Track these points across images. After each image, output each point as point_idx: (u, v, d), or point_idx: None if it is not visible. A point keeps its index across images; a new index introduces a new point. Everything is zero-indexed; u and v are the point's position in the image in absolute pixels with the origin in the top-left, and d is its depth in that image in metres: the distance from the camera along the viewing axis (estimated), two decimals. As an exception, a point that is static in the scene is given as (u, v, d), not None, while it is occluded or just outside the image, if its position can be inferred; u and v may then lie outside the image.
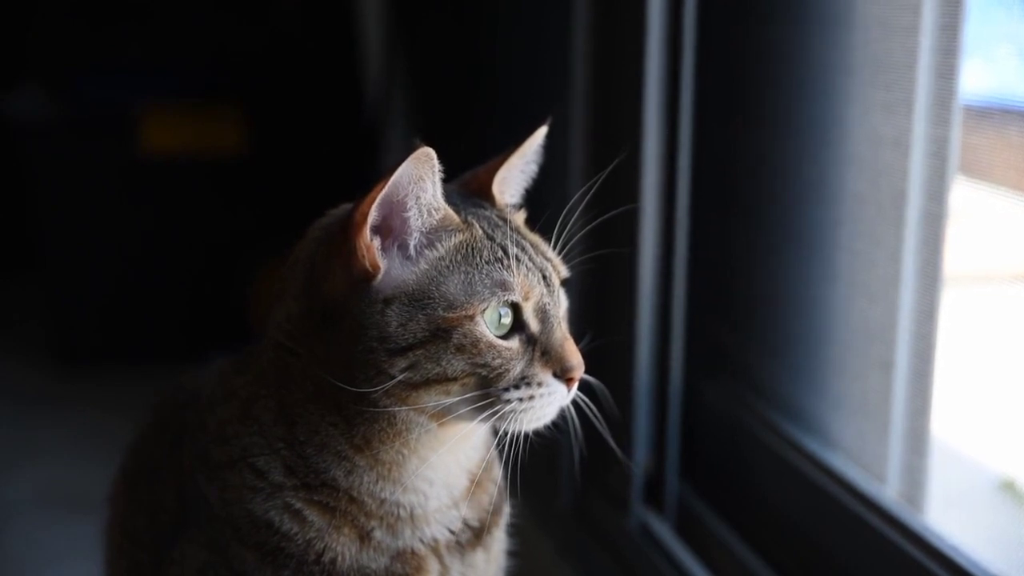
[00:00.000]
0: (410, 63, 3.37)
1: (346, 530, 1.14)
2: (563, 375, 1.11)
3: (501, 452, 1.16)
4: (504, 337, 1.09)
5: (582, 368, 1.12)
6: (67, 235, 3.50)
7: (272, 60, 3.48)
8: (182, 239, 3.47)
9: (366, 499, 1.14)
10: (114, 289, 3.51)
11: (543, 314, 1.11)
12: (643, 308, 1.83)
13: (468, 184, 1.22)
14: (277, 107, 3.49)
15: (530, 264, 1.12)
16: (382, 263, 1.08)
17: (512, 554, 1.31)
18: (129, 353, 3.50)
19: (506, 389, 1.09)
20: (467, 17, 2.78)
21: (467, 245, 1.10)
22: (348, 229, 1.07)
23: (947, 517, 1.49)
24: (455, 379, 1.07)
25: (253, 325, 1.24)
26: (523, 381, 1.09)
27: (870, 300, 1.57)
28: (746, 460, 1.77)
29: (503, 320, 1.09)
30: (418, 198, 1.08)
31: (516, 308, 1.10)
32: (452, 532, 1.19)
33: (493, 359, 1.08)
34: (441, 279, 1.08)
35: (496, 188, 1.21)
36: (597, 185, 1.25)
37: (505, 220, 1.15)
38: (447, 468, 1.18)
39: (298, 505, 1.13)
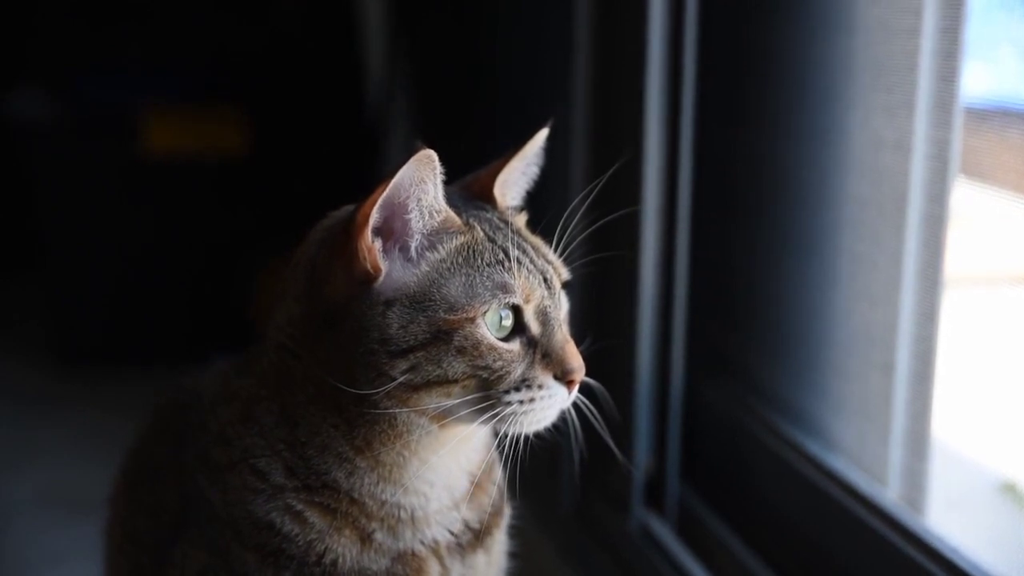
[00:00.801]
0: (411, 65, 3.37)
1: (347, 532, 1.14)
2: (564, 377, 1.11)
3: (502, 454, 1.16)
4: (505, 339, 1.09)
5: (583, 370, 1.12)
6: (68, 235, 3.49)
7: (273, 61, 3.48)
8: (183, 240, 3.46)
9: (367, 501, 1.14)
10: (115, 290, 3.51)
11: (544, 316, 1.12)
12: (644, 310, 1.83)
13: (469, 186, 1.22)
14: (278, 108, 3.49)
15: (531, 266, 1.12)
16: (383, 265, 1.08)
17: (513, 555, 1.31)
18: (130, 354, 3.49)
19: (507, 391, 1.09)
20: (468, 18, 2.78)
21: (468, 247, 1.10)
22: (349, 231, 1.07)
23: (948, 519, 1.49)
24: (456, 381, 1.07)
25: (255, 326, 1.24)
26: (524, 383, 1.09)
27: (871, 302, 1.57)
28: (747, 462, 1.77)
29: (504, 322, 1.09)
30: (419, 200, 1.08)
31: (517, 310, 1.10)
32: (453, 534, 1.20)
33: (494, 361, 1.08)
34: (442, 281, 1.08)
35: (497, 190, 1.21)
36: (598, 188, 1.25)
37: (506, 222, 1.15)
38: (448, 470, 1.18)
39: (299, 507, 1.13)
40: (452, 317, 1.06)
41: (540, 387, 1.10)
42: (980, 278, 1.61)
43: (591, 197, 1.21)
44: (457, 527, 1.20)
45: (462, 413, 1.09)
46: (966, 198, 1.48)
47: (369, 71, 3.60)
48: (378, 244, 1.08)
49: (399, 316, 1.07)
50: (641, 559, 1.85)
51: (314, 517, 1.13)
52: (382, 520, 1.15)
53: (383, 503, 1.14)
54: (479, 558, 1.22)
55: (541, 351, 1.11)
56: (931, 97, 1.45)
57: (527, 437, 1.13)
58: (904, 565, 1.40)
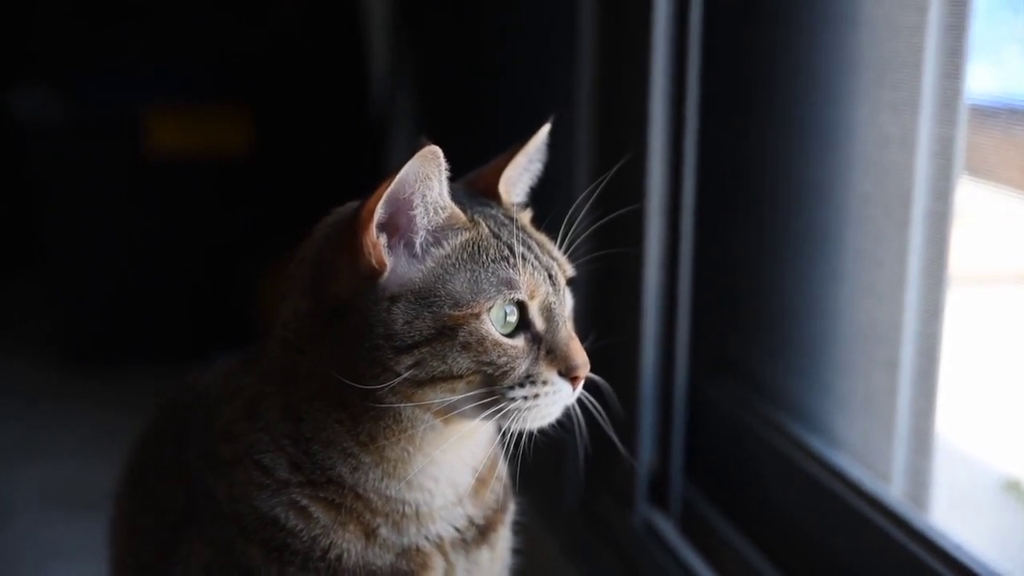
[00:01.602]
0: (415, 63, 3.37)
1: (352, 527, 1.14)
2: (568, 374, 1.11)
3: (506, 450, 1.16)
4: (510, 335, 1.09)
5: (587, 367, 1.12)
6: (71, 235, 3.50)
7: (277, 60, 3.48)
8: (186, 239, 3.47)
9: (372, 496, 1.14)
10: (117, 289, 3.51)
11: (549, 313, 1.12)
12: (648, 307, 1.83)
13: (474, 183, 1.23)
14: (282, 107, 3.50)
15: (536, 263, 1.12)
16: (388, 261, 1.08)
17: (517, 552, 1.31)
18: (133, 352, 3.50)
19: (511, 387, 1.09)
20: (472, 16, 2.78)
21: (473, 243, 1.10)
22: (354, 227, 1.08)
23: (952, 517, 1.49)
24: (460, 377, 1.07)
25: (260, 323, 1.24)
26: (528, 380, 1.09)
27: (875, 300, 1.57)
28: (751, 459, 1.77)
29: (509, 318, 1.09)
30: (424, 196, 1.08)
31: (522, 307, 1.10)
32: (457, 530, 1.20)
33: (498, 357, 1.08)
34: (447, 277, 1.08)
35: (502, 187, 1.22)
36: (603, 184, 1.25)
37: (511, 219, 1.15)
38: (452, 466, 1.18)
39: (304, 502, 1.13)
40: (457, 313, 1.06)
41: (544, 383, 1.10)
42: (984, 276, 1.61)
43: (595, 194, 1.21)
44: (461, 523, 1.20)
45: (466, 409, 1.09)
46: (970, 196, 1.48)
47: (372, 69, 3.60)
48: (383, 240, 1.08)
49: (404, 312, 1.07)
50: (645, 556, 1.85)
51: (319, 512, 1.13)
52: (387, 516, 1.15)
53: (388, 498, 1.14)
54: (483, 554, 1.22)
55: (545, 347, 1.11)
56: (936, 94, 1.45)
57: (531, 433, 1.13)
58: (908, 562, 1.40)
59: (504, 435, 1.14)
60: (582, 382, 1.13)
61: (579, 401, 1.16)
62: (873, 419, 1.60)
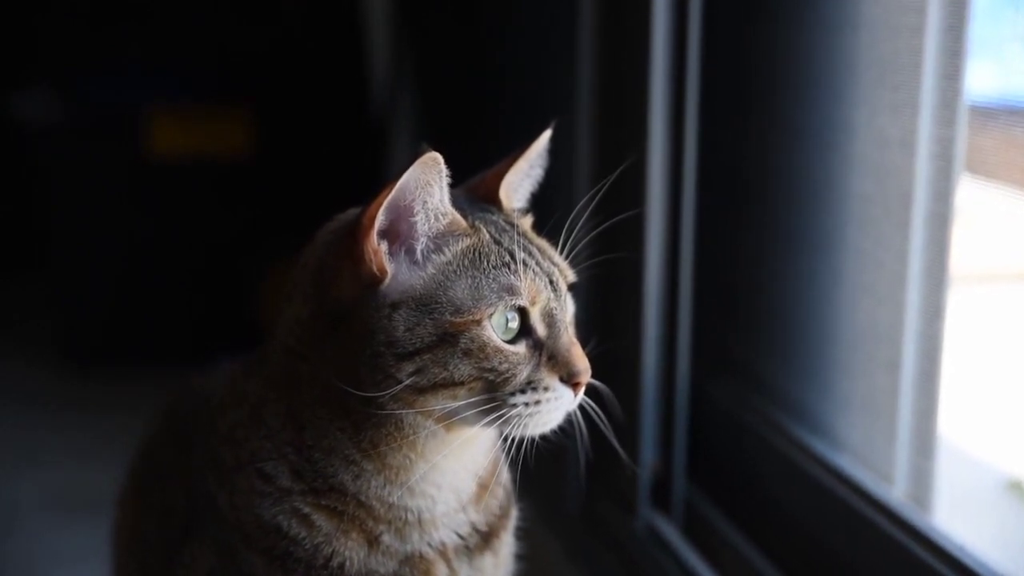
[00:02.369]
0: (416, 66, 3.37)
1: (354, 534, 1.14)
2: (570, 380, 1.11)
3: (508, 455, 1.16)
4: (511, 342, 1.09)
5: (589, 373, 1.12)
6: (74, 236, 3.50)
7: (278, 62, 3.48)
8: (189, 241, 3.47)
9: (374, 503, 1.14)
10: (121, 290, 3.51)
11: (550, 319, 1.11)
12: (649, 311, 1.83)
13: (475, 189, 1.22)
14: (283, 109, 3.50)
15: (537, 269, 1.12)
16: (389, 267, 1.08)
17: (520, 557, 1.31)
18: (135, 354, 3.50)
19: (512, 394, 1.09)
20: (473, 21, 2.78)
21: (474, 250, 1.10)
22: (356, 233, 1.08)
23: (954, 518, 1.49)
24: (462, 383, 1.07)
25: (261, 325, 1.24)
26: (529, 386, 1.09)
27: (876, 300, 1.57)
28: (753, 461, 1.77)
29: (510, 324, 1.09)
30: (425, 203, 1.08)
31: (523, 313, 1.10)
32: (460, 536, 1.20)
33: (500, 363, 1.08)
34: (448, 284, 1.08)
35: (503, 192, 1.21)
36: (603, 190, 1.25)
37: (512, 225, 1.15)
38: (455, 472, 1.18)
39: (306, 510, 1.13)
40: (458, 320, 1.06)
41: (546, 389, 1.10)
42: (985, 276, 1.61)
43: (596, 199, 1.21)
44: (464, 529, 1.20)
45: (468, 415, 1.09)
46: (971, 196, 1.48)
47: (373, 72, 3.60)
48: (384, 246, 1.08)
49: (405, 318, 1.07)
50: (648, 559, 1.85)
51: (321, 520, 1.13)
52: (389, 523, 1.15)
53: (390, 506, 1.14)
54: (486, 560, 1.22)
55: (547, 353, 1.11)
56: (936, 95, 1.45)
57: (533, 438, 1.13)
58: (911, 564, 1.40)
59: (506, 440, 1.14)
60: (583, 388, 1.12)
61: (580, 405, 1.16)
62: (875, 420, 1.60)
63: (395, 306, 1.07)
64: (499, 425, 1.10)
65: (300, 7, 3.58)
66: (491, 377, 1.08)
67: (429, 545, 1.17)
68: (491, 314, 1.07)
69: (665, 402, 1.87)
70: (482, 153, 1.31)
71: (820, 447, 1.65)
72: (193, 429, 1.25)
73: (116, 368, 3.45)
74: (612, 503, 1.97)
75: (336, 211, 1.20)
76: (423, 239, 1.09)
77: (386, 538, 1.15)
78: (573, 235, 1.18)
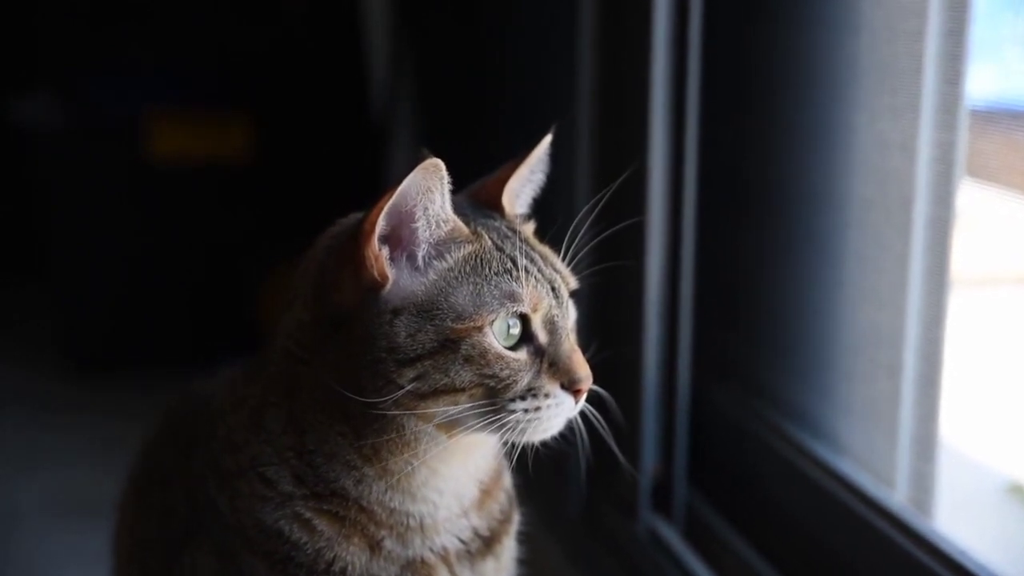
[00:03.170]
0: (417, 70, 3.37)
1: (356, 539, 1.14)
2: (571, 387, 1.10)
3: (510, 460, 1.16)
4: (512, 348, 1.09)
5: (590, 380, 1.11)
6: (74, 240, 3.50)
7: (278, 66, 3.48)
8: (189, 244, 3.47)
9: (376, 508, 1.14)
10: (122, 294, 3.51)
11: (551, 325, 1.11)
12: (650, 317, 1.83)
13: (477, 194, 1.22)
14: (284, 113, 3.50)
15: (539, 275, 1.12)
16: (391, 273, 1.08)
17: (522, 562, 1.31)
18: (136, 358, 3.50)
19: (513, 400, 1.08)
20: (473, 22, 2.78)
21: (476, 256, 1.10)
22: (357, 238, 1.07)
23: (956, 521, 1.49)
24: (463, 390, 1.07)
25: (262, 328, 1.24)
26: (530, 392, 1.09)
27: (877, 304, 1.57)
28: (754, 465, 1.77)
29: (511, 331, 1.09)
30: (426, 209, 1.08)
31: (525, 319, 1.09)
32: (462, 541, 1.19)
33: (501, 370, 1.07)
34: (450, 290, 1.08)
35: (506, 198, 1.21)
36: (605, 197, 1.25)
37: (514, 231, 1.15)
38: (456, 477, 1.18)
39: (308, 515, 1.13)
40: (459, 326, 1.06)
41: (547, 396, 1.09)
42: (986, 279, 1.61)
43: (598, 207, 1.21)
44: (466, 535, 1.20)
45: (469, 421, 1.09)
46: (972, 199, 1.48)
47: (374, 76, 3.60)
48: (385, 252, 1.08)
49: (407, 324, 1.07)
50: (649, 563, 1.85)
51: (323, 525, 1.13)
52: (391, 528, 1.15)
53: (392, 511, 1.14)
54: (488, 565, 1.22)
55: (548, 360, 1.10)
56: (936, 99, 1.45)
57: (534, 444, 1.13)
58: (912, 568, 1.40)
59: (508, 446, 1.14)
60: (584, 395, 1.12)
61: (581, 410, 1.15)
62: (876, 424, 1.60)
63: (396, 312, 1.07)
64: (500, 431, 1.10)
65: (300, 9, 3.58)
66: (492, 383, 1.08)
67: (431, 550, 1.17)
68: (493, 320, 1.07)
69: (666, 406, 1.87)
70: (482, 155, 1.31)
71: (821, 451, 1.65)
72: (194, 433, 1.25)
73: (116, 371, 3.45)
74: (613, 507, 1.97)
75: (336, 213, 1.20)
76: (424, 245, 1.09)
77: (388, 543, 1.15)
78: (575, 242, 1.18)
